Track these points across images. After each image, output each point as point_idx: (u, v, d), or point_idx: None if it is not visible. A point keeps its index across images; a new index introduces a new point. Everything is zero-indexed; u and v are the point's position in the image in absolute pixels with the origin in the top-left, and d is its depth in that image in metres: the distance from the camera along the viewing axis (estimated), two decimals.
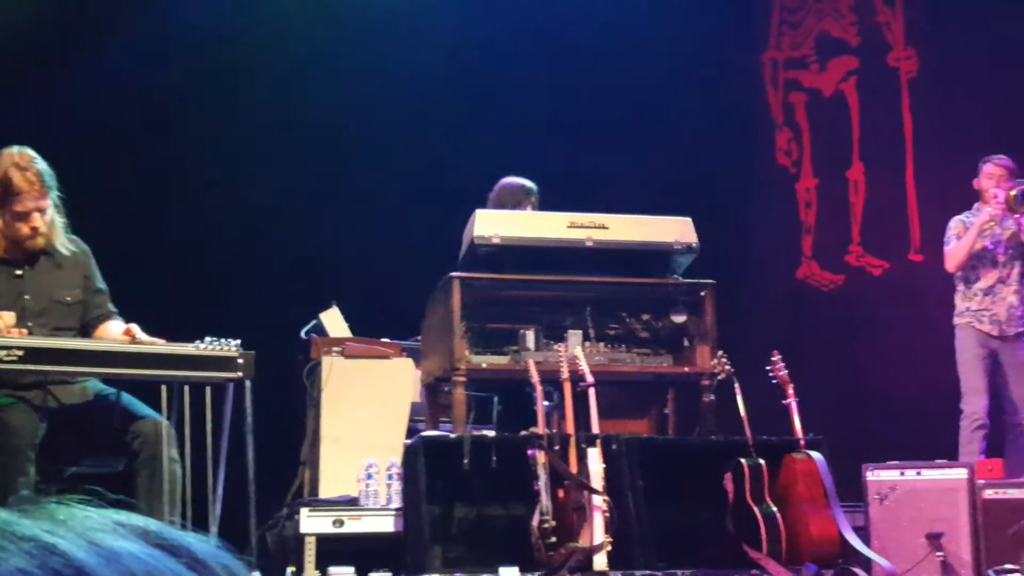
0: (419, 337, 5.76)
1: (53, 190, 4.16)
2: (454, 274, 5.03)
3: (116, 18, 7.40)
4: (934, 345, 6.67)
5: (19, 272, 4.22)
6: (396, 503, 5.03)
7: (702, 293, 5.25)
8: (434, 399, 5.42)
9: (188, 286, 6.74)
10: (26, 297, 4.19)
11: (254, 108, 7.57)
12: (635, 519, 4.66)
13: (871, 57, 8.31)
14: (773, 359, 4.95)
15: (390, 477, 5.06)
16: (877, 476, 5.38)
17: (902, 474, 5.29)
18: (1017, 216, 6.33)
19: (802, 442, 4.75)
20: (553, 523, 4.41)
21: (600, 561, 4.38)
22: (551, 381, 4.83)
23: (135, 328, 4.18)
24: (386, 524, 4.96)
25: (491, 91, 7.90)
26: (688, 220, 5.30)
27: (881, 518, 5.29)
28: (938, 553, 5.06)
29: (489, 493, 4.77)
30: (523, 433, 4.73)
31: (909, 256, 8.05)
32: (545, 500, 4.43)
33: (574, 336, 5.09)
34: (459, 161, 7.39)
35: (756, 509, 4.61)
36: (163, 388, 4.15)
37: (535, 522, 4.42)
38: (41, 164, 4.12)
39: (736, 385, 4.86)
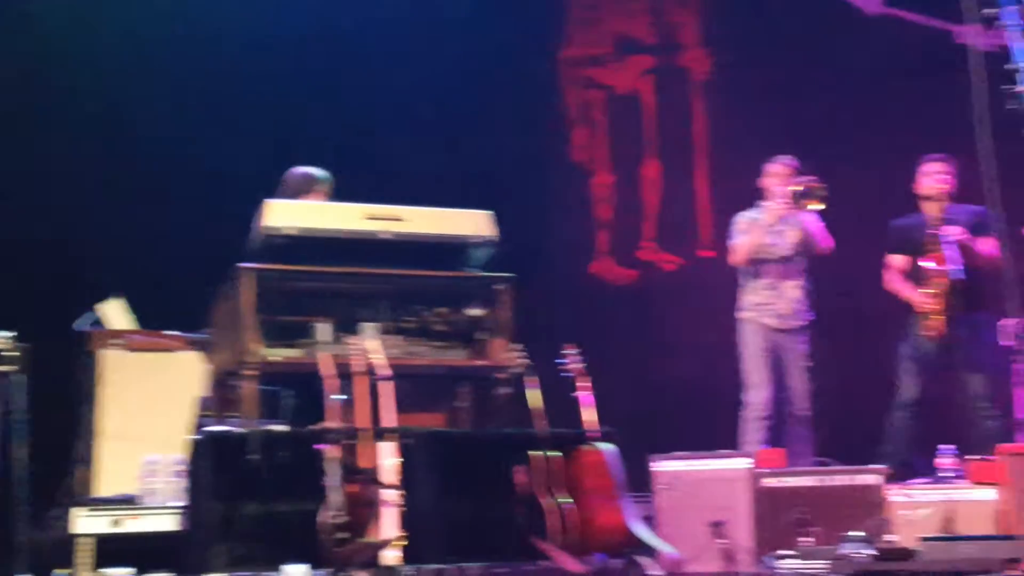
0: (208, 329, 5.61)
1: None
2: (243, 264, 4.91)
3: None
4: (723, 338, 6.87)
5: None
6: (181, 500, 4.87)
7: (499, 287, 5.27)
8: (223, 393, 5.28)
9: None
10: None
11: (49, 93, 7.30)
12: (427, 513, 4.64)
13: (666, 56, 8.50)
14: (566, 352, 5.00)
15: (174, 474, 4.91)
16: (662, 467, 5.54)
17: (687, 464, 5.46)
18: (800, 212, 6.57)
19: (589, 434, 4.81)
20: (345, 518, 4.35)
21: (393, 556, 4.35)
22: (346, 375, 4.76)
23: None
24: (168, 523, 4.81)
25: (293, 87, 7.86)
26: (487, 214, 5.31)
27: (667, 507, 5.44)
28: (720, 540, 5.23)
29: (279, 489, 4.66)
30: (313, 428, 4.65)
31: (699, 252, 8.28)
32: (335, 495, 4.36)
33: (369, 329, 5.03)
34: (250, 152, 7.27)
35: (546, 501, 4.65)
36: None
37: (325, 518, 4.35)
38: None
39: (531, 378, 4.89)
